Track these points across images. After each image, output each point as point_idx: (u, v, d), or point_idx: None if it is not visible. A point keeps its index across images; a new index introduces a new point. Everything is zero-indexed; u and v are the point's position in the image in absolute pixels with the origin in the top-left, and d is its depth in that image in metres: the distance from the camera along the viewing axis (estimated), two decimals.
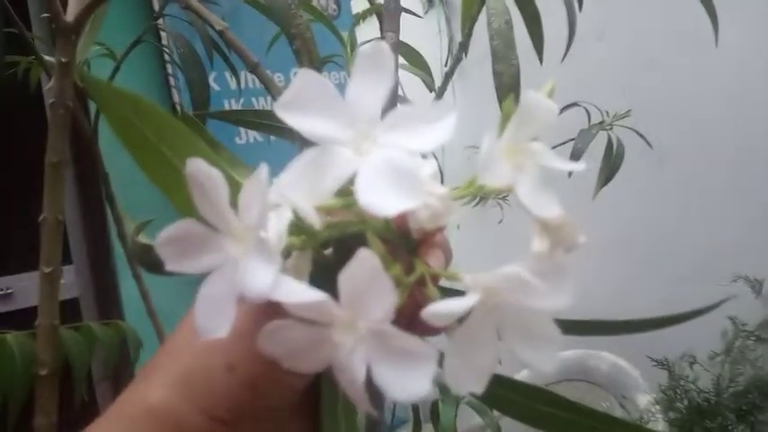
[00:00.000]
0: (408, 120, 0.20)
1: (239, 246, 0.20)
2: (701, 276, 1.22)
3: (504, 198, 1.03)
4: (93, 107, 0.71)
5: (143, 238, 0.48)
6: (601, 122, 0.86)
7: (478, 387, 0.20)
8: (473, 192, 0.22)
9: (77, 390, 0.48)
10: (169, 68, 1.15)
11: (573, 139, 0.85)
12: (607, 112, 0.88)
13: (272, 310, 0.19)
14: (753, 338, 0.97)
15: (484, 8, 0.43)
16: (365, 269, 0.18)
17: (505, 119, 0.20)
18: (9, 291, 1.22)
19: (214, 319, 0.20)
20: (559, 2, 0.55)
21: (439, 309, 0.18)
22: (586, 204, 0.91)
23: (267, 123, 0.43)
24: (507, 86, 0.40)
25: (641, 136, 0.86)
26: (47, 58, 0.61)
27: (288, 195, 0.20)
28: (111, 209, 0.69)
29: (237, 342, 0.22)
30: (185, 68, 0.62)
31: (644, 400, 1.03)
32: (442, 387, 0.86)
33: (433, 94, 0.56)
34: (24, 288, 1.14)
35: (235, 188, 0.20)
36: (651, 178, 1.47)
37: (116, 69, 0.72)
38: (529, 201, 0.19)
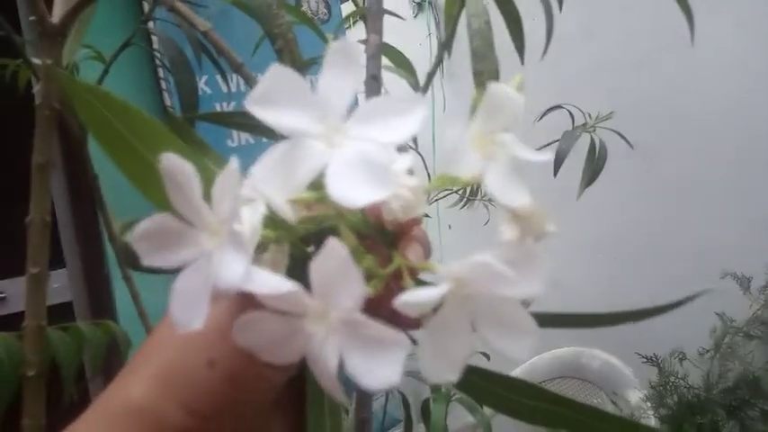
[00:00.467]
0: (379, 112, 0.20)
1: (214, 239, 0.20)
2: (690, 275, 1.23)
3: (490, 200, 1.04)
4: None
5: (129, 237, 0.48)
6: (584, 124, 0.86)
7: (452, 375, 0.20)
8: (446, 184, 0.22)
9: (66, 390, 0.48)
10: (160, 72, 1.15)
11: (557, 141, 0.86)
12: (589, 114, 0.89)
13: (251, 304, 0.20)
14: (741, 335, 0.98)
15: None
16: (333, 259, 0.18)
17: (474, 111, 0.20)
18: (2, 295, 1.21)
19: (189, 312, 0.20)
20: (551, 1, 0.56)
21: (409, 298, 0.19)
22: (574, 205, 0.92)
23: (257, 125, 0.44)
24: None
25: (622, 137, 0.87)
26: (35, 60, 0.61)
27: (260, 189, 0.20)
28: (100, 211, 0.69)
29: (217, 337, 0.22)
30: (174, 71, 0.63)
31: (635, 396, 1.04)
32: (433, 385, 0.86)
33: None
34: (18, 292, 1.14)
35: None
36: (638, 178, 1.48)
37: (105, 72, 0.72)
38: (498, 190, 0.19)
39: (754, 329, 0.98)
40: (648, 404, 0.97)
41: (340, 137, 0.20)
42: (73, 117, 0.67)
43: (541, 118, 0.93)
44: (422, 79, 0.55)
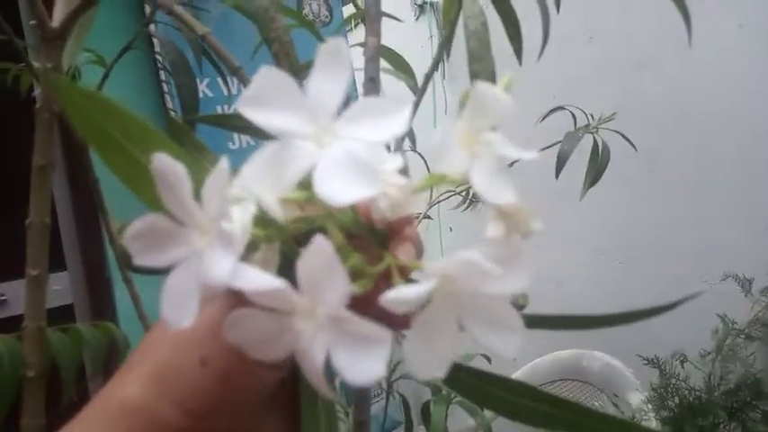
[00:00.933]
0: (367, 113, 0.21)
1: (204, 238, 0.21)
2: (691, 276, 1.22)
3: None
4: None
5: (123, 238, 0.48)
6: (586, 125, 0.86)
7: (439, 372, 0.21)
8: (434, 182, 0.22)
9: (66, 390, 0.49)
10: (162, 75, 1.16)
11: (560, 142, 0.86)
12: (592, 115, 0.89)
13: (243, 305, 0.20)
14: (743, 336, 0.97)
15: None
16: (319, 256, 0.18)
17: (461, 109, 0.20)
18: (3, 297, 1.22)
19: (180, 310, 0.20)
20: (548, 3, 0.56)
21: (396, 295, 0.19)
22: (576, 207, 0.92)
23: (257, 127, 0.44)
24: None
25: (626, 138, 0.87)
26: (36, 64, 0.62)
27: (251, 188, 0.20)
28: (101, 214, 0.69)
29: (210, 337, 0.22)
30: (175, 74, 0.63)
31: (636, 398, 1.04)
32: (434, 388, 0.87)
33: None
34: (18, 295, 1.14)
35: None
36: (641, 180, 1.48)
37: (105, 76, 0.72)
38: (484, 187, 0.19)
39: (755, 331, 0.97)
40: (649, 406, 0.97)
41: (329, 137, 0.21)
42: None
43: (543, 119, 0.93)
44: (422, 81, 0.56)
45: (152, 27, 0.90)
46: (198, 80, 0.79)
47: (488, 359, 0.80)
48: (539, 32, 0.58)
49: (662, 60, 1.44)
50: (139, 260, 0.22)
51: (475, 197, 1.22)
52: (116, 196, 0.74)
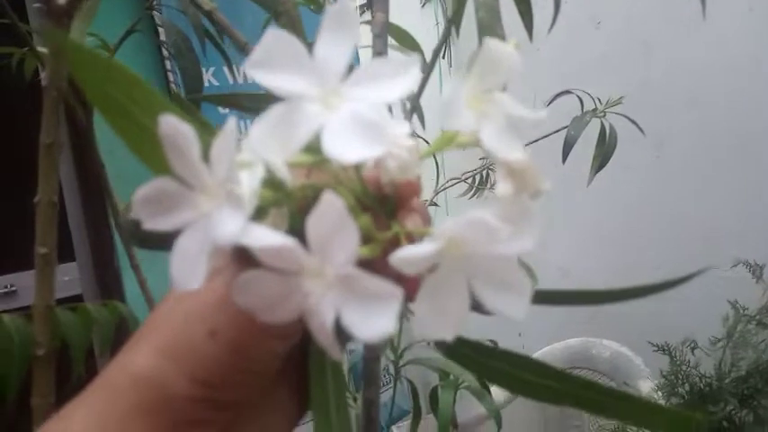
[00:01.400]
0: (374, 74, 0.20)
1: (212, 201, 0.20)
2: (701, 262, 1.21)
3: None
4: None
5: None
6: (594, 110, 0.86)
7: (448, 334, 0.20)
8: (445, 143, 0.22)
9: (75, 369, 0.49)
10: (167, 63, 1.16)
11: (566, 127, 0.85)
12: (599, 99, 0.88)
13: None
14: (754, 323, 0.96)
15: None
16: (329, 212, 0.18)
17: (469, 69, 0.20)
18: (13, 288, 1.23)
19: (188, 271, 0.20)
20: None
21: (403, 254, 0.19)
22: (584, 192, 0.92)
23: (261, 108, 0.44)
24: None
25: (633, 122, 0.86)
26: (41, 49, 0.62)
27: (258, 150, 0.20)
28: (108, 202, 0.69)
29: (218, 308, 0.22)
30: (178, 56, 0.63)
31: (646, 386, 1.03)
32: (442, 373, 0.86)
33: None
34: (28, 285, 1.15)
35: None
36: (650, 164, 1.47)
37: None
38: (493, 144, 0.19)
39: (766, 318, 0.96)
40: (660, 393, 0.97)
41: (336, 99, 0.21)
42: (81, 107, 0.68)
43: (550, 103, 0.93)
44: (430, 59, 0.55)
45: (156, 14, 0.90)
46: (204, 69, 0.79)
47: (495, 344, 0.80)
48: (547, 19, 0.58)
49: (670, 44, 1.43)
50: (148, 224, 0.22)
51: (481, 185, 1.21)
52: (121, 182, 0.75)
